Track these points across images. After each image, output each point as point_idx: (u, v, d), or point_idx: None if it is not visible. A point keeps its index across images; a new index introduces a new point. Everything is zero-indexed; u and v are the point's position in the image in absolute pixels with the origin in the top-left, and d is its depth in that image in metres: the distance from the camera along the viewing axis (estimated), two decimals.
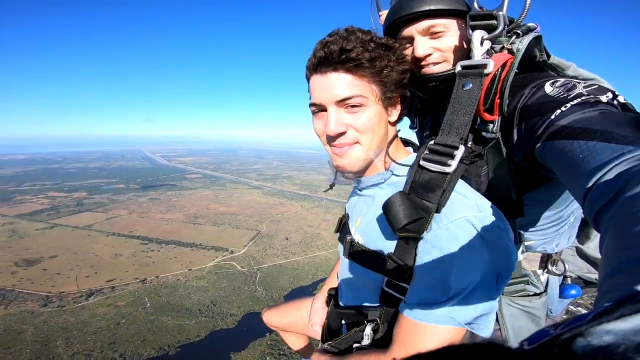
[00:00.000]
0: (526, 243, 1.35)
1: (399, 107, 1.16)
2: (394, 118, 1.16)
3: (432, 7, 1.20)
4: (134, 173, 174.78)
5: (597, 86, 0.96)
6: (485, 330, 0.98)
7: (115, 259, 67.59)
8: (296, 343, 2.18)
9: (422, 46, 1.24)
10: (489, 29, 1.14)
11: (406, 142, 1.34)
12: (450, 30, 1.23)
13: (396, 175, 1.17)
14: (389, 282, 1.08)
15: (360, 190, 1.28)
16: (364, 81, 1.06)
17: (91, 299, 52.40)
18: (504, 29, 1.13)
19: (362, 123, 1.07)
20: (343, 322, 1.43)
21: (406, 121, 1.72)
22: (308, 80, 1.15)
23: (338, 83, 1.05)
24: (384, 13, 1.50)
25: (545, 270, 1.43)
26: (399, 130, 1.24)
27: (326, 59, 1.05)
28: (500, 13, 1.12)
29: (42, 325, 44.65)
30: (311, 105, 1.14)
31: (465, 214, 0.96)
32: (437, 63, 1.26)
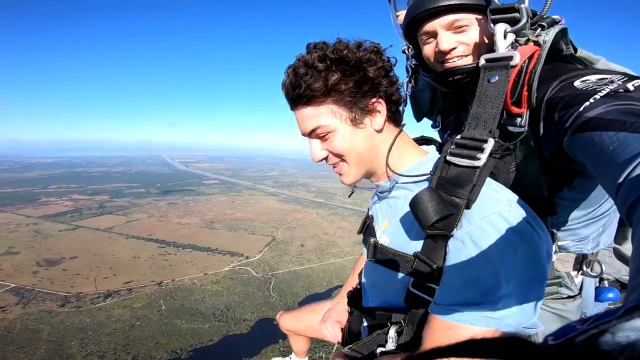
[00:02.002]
0: (559, 243, 1.30)
1: (382, 110, 1.12)
2: (378, 125, 1.12)
3: (457, 2, 1.19)
4: (154, 178, 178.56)
5: (628, 77, 0.92)
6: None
7: (134, 261, 68.40)
8: (299, 345, 2.21)
9: (446, 40, 1.23)
10: (512, 22, 1.11)
11: (428, 141, 1.31)
12: (473, 25, 1.22)
13: (404, 183, 1.15)
14: (416, 282, 1.04)
15: (381, 193, 1.26)
16: (322, 107, 1.07)
17: (108, 300, 52.89)
18: (527, 21, 1.10)
19: (334, 147, 1.10)
20: (364, 325, 1.39)
21: (428, 121, 1.79)
22: None
23: (302, 118, 1.11)
24: (401, 13, 1.50)
25: (580, 272, 1.35)
26: (401, 130, 1.21)
27: (287, 99, 1.12)
28: (523, 6, 1.10)
29: (58, 325, 45.12)
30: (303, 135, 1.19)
31: (497, 209, 0.92)
32: (461, 57, 1.24)
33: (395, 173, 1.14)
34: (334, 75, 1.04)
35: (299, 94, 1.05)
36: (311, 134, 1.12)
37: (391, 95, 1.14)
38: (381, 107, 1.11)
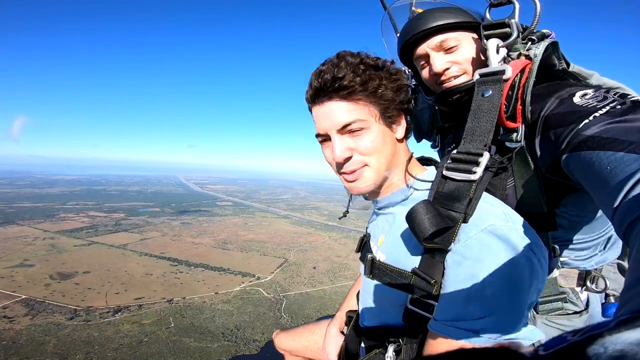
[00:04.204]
0: (562, 259, 1.27)
1: (403, 122, 1.15)
2: (400, 135, 1.14)
3: (440, 23, 1.23)
4: (169, 198, 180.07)
5: (626, 95, 0.93)
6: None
7: (146, 278, 67.80)
8: None
9: (438, 62, 1.25)
10: (504, 37, 1.14)
11: (427, 161, 1.33)
12: (462, 43, 1.25)
13: (417, 190, 1.14)
14: (414, 299, 1.02)
15: (379, 209, 1.25)
16: (360, 104, 1.06)
17: (117, 315, 52.02)
18: (518, 36, 1.13)
19: (366, 146, 1.07)
20: (362, 345, 1.35)
21: (427, 142, 1.81)
22: (311, 112, 1.16)
23: (336, 111, 1.06)
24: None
25: (584, 288, 1.32)
26: (412, 152, 1.23)
27: (321, 89, 1.06)
28: (513, 21, 1.13)
29: (65, 338, 44.32)
30: (317, 135, 1.15)
31: (494, 222, 0.92)
32: (457, 76, 1.26)
33: (415, 178, 1.14)
34: (375, 79, 1.06)
35: (341, 85, 1.02)
36: (341, 130, 1.07)
37: (409, 113, 1.17)
38: (402, 121, 1.14)
